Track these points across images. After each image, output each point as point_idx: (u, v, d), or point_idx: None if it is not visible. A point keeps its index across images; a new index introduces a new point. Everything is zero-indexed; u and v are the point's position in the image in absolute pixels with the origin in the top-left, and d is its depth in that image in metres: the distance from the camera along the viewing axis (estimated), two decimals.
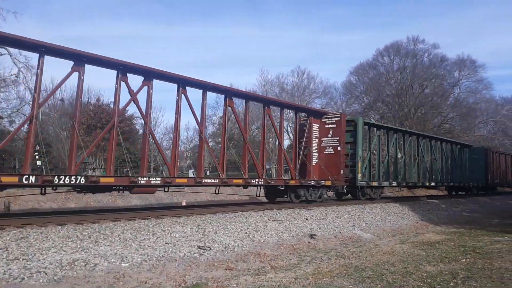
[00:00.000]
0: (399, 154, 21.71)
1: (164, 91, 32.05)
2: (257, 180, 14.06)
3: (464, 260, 8.37)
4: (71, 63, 9.87)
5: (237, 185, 14.25)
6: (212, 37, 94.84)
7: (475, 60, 52.33)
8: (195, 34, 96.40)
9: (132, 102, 11.00)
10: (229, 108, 13.94)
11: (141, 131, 37.94)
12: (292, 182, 15.25)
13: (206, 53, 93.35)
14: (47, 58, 9.44)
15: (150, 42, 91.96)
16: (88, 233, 8.30)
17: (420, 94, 49.43)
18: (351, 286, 6.21)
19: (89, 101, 37.30)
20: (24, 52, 19.34)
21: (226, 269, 7.28)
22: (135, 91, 10.95)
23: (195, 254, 8.09)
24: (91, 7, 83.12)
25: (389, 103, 50.77)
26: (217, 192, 13.80)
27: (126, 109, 40.74)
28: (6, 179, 8.47)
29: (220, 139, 28.93)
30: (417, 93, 49.58)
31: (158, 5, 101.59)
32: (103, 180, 9.85)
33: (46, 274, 6.07)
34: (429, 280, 6.63)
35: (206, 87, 12.86)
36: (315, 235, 11.22)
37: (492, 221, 17.56)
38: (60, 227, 8.63)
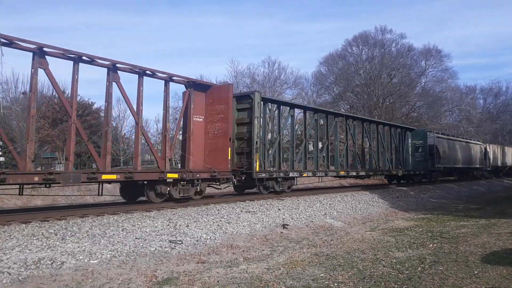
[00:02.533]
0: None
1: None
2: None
3: (431, 245, 8.60)
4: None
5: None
6: (182, 26, 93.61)
7: (440, 50, 53.95)
8: (165, 22, 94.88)
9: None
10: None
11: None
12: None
13: (175, 42, 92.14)
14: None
15: (118, 31, 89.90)
16: (54, 230, 8.05)
17: (389, 84, 50.46)
18: (322, 275, 6.27)
19: (53, 94, 36.19)
20: None
21: (198, 262, 7.22)
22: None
23: (166, 249, 7.98)
24: None
25: (359, 93, 51.58)
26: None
27: (93, 101, 39.69)
28: None
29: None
30: (385, 82, 50.57)
31: None
32: None
33: (9, 274, 5.84)
34: (398, 266, 6.77)
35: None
36: (288, 225, 11.29)
37: (458, 206, 18.17)
38: (24, 225, 8.33)
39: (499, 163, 41.47)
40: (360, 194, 18.25)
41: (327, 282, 5.87)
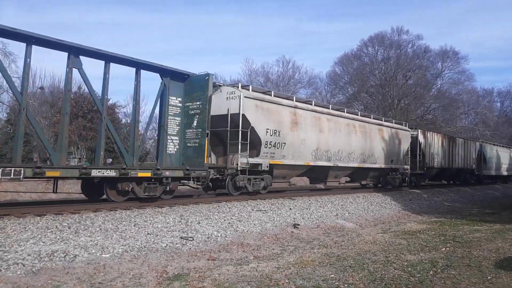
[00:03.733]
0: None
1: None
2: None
3: (444, 249, 8.50)
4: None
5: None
6: (196, 25, 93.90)
7: (457, 52, 53.05)
8: (179, 21, 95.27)
9: None
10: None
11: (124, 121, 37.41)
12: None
13: (190, 41, 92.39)
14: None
15: (133, 29, 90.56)
16: (68, 223, 8.17)
17: (404, 85, 49.92)
18: (332, 275, 6.24)
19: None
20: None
21: (208, 259, 7.25)
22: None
23: (178, 245, 8.04)
24: None
25: (373, 94, 51.17)
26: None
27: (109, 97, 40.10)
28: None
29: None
30: (400, 83, 50.04)
31: None
32: None
33: (24, 265, 5.94)
34: (409, 268, 6.71)
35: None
36: (298, 224, 11.26)
37: (472, 210, 17.92)
38: (39, 217, 8.47)
39: None
40: (372, 195, 18.12)
41: (337, 283, 5.85)
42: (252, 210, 11.84)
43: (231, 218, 10.55)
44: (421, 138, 24.44)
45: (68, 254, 6.58)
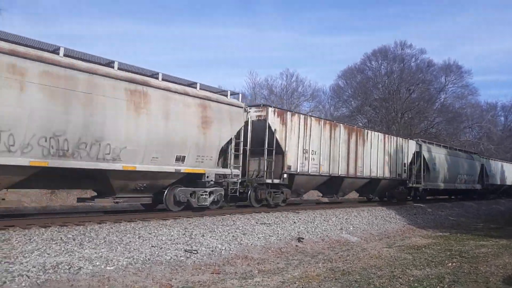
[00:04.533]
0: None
1: None
2: None
3: (450, 264, 8.42)
4: None
5: None
6: (203, 37, 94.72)
7: (461, 66, 53.16)
8: (186, 33, 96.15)
9: None
10: None
11: None
12: None
13: (196, 53, 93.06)
14: None
15: (140, 41, 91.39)
16: (72, 235, 8.16)
17: (407, 99, 49.96)
18: None
19: None
20: None
21: (213, 273, 7.21)
22: None
23: (182, 258, 8.00)
24: (80, 5, 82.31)
25: (377, 107, 51.20)
26: None
27: None
28: None
29: None
30: (404, 97, 50.09)
31: (149, 3, 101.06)
32: None
33: (28, 277, 5.93)
34: (415, 284, 6.65)
35: None
36: (303, 238, 11.20)
37: (478, 225, 17.78)
38: (44, 229, 8.47)
39: None
40: (376, 209, 18.03)
41: None
42: (256, 223, 11.79)
43: (235, 231, 10.51)
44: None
45: (73, 266, 6.56)
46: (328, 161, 16.74)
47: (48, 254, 6.98)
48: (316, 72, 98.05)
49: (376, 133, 20.78)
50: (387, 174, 20.68)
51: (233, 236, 10.11)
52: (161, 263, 7.50)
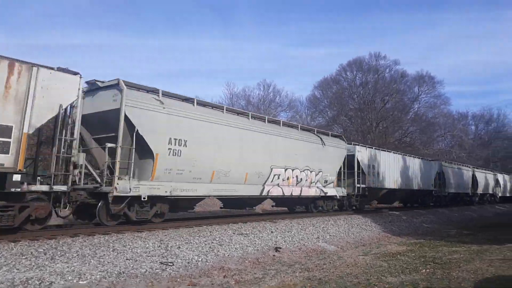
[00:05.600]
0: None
1: None
2: None
3: (424, 270, 8.56)
4: None
5: None
6: (180, 48, 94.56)
7: (433, 77, 54.85)
8: (164, 44, 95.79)
9: None
10: None
11: None
12: None
13: (174, 64, 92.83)
14: None
15: (118, 51, 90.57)
16: (44, 249, 7.93)
17: (382, 109, 51.01)
18: None
19: None
20: None
21: (189, 285, 7.12)
22: None
23: (157, 270, 7.88)
24: (56, 16, 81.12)
25: (352, 117, 52.07)
26: None
27: None
28: None
29: None
30: (378, 107, 51.12)
31: (126, 15, 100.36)
32: None
33: None
34: None
35: None
36: (280, 248, 11.20)
37: (450, 232, 18.15)
38: (13, 243, 8.20)
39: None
40: (353, 217, 18.20)
41: None
42: (234, 233, 11.74)
43: (212, 242, 10.42)
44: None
45: (44, 281, 6.37)
46: None
47: (18, 269, 6.76)
48: (293, 83, 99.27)
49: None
50: None
51: (210, 247, 10.03)
52: (136, 276, 7.37)
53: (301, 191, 16.95)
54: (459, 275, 8.02)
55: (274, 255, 10.46)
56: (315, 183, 18.03)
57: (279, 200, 17.23)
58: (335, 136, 20.80)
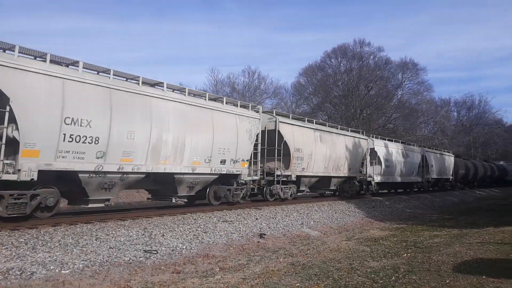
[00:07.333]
0: None
1: None
2: None
3: (405, 254, 8.73)
4: None
5: None
6: (164, 34, 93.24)
7: (417, 64, 55.17)
8: (147, 30, 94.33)
9: None
10: None
11: None
12: None
13: (158, 50, 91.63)
14: None
15: (101, 37, 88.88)
16: (24, 239, 7.82)
17: (366, 96, 51.26)
18: (298, 284, 6.28)
19: None
20: None
21: (173, 273, 7.13)
22: None
23: (141, 258, 7.86)
24: (39, 0, 78.97)
25: (337, 104, 52.24)
26: None
27: None
28: None
29: None
30: (362, 94, 51.36)
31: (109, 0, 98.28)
32: None
33: None
34: (372, 275, 6.84)
35: None
36: (265, 234, 11.27)
37: (432, 216, 18.52)
38: None
39: None
40: (337, 203, 18.39)
41: None
42: (218, 221, 11.75)
43: (197, 230, 10.43)
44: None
45: (25, 272, 6.30)
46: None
47: None
48: (279, 70, 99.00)
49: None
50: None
51: (194, 234, 10.03)
52: (120, 265, 7.34)
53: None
54: (439, 258, 8.19)
55: (258, 242, 10.52)
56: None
57: None
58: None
